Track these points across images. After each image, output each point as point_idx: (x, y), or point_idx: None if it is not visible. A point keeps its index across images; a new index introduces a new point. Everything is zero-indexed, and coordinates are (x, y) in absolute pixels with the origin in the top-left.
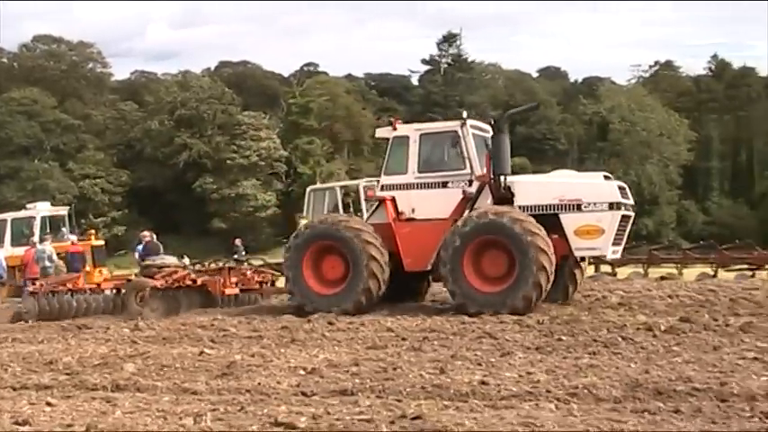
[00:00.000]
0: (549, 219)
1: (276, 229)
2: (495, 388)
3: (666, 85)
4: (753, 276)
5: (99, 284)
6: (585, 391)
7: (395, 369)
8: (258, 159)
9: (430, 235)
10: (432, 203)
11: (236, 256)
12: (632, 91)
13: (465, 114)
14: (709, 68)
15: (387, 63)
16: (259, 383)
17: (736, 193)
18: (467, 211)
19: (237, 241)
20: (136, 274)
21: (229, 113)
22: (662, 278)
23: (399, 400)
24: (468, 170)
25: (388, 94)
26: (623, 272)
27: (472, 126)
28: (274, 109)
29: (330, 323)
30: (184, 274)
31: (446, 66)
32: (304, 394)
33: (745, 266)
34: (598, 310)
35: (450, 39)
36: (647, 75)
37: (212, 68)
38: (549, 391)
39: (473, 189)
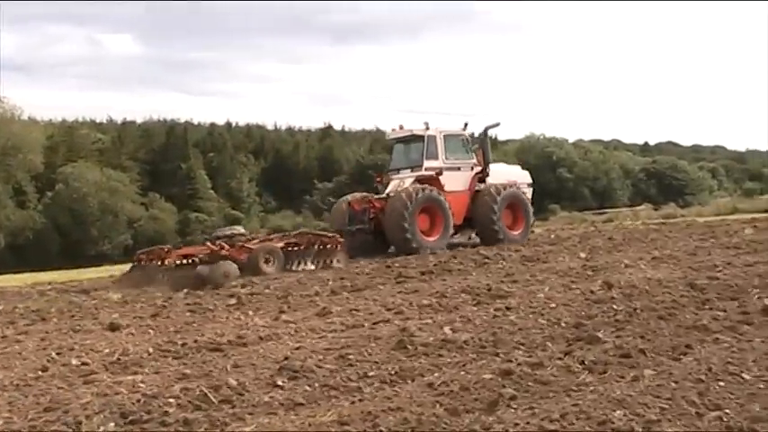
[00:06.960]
0: None
1: None
2: None
3: None
4: None
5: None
6: None
7: None
8: None
9: (459, 201)
10: (455, 181)
11: None
12: None
13: (465, 123)
14: None
15: None
16: None
17: None
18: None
19: None
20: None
21: None
22: None
23: None
24: (473, 159)
25: None
26: None
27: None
28: None
29: None
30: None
31: None
32: None
33: None
34: None
35: None
36: None
37: None
38: None
39: (474, 172)
